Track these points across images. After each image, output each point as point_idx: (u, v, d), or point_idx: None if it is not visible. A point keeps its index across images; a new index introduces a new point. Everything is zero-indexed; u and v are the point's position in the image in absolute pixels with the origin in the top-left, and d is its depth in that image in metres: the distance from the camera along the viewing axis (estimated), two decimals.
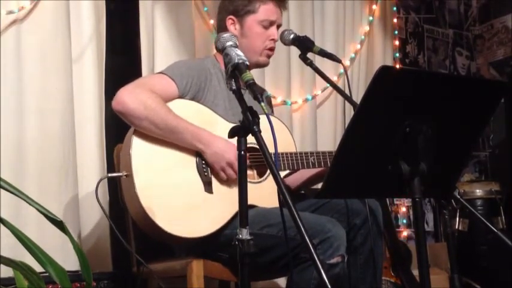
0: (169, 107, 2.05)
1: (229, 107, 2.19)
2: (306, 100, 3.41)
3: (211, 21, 3.05)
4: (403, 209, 3.94)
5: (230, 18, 2.30)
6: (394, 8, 4.01)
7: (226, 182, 2.07)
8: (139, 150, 2.01)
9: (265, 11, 2.28)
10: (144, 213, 1.96)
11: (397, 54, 3.97)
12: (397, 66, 3.86)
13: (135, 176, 1.97)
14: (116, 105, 2.01)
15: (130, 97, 2.00)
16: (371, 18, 3.79)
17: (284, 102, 3.32)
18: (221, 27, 2.32)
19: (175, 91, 2.11)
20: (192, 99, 2.15)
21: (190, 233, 2.00)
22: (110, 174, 2.12)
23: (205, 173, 2.06)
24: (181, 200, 2.01)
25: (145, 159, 2.01)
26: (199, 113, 2.13)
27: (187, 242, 2.03)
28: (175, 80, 2.11)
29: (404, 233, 3.91)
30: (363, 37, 3.74)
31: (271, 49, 2.31)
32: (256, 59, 2.28)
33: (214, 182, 2.07)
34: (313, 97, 3.43)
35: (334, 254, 1.88)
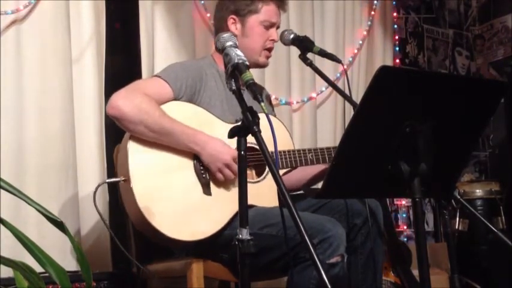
0: (163, 109, 2.04)
1: (226, 108, 2.18)
2: (306, 100, 3.40)
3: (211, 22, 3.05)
4: (403, 209, 3.94)
5: (232, 18, 2.29)
6: (394, 8, 4.01)
7: (224, 183, 2.06)
8: (136, 154, 2.01)
9: (267, 11, 2.28)
10: (143, 217, 1.95)
11: (397, 54, 3.97)
12: (397, 66, 3.86)
13: (132, 181, 1.96)
14: (110, 109, 2.01)
15: (124, 101, 1.99)
16: (371, 18, 3.79)
17: (284, 102, 3.31)
18: (221, 27, 2.31)
19: (169, 93, 2.10)
20: (189, 101, 2.14)
21: (191, 236, 1.99)
22: (108, 180, 2.13)
23: (203, 175, 2.06)
24: (180, 203, 2.01)
25: (142, 163, 2.01)
26: (196, 114, 2.12)
27: (188, 244, 2.03)
28: (169, 82, 2.10)
29: (404, 233, 3.90)
30: (363, 36, 3.74)
31: (270, 50, 2.31)
32: (256, 59, 2.28)
33: (213, 184, 2.06)
34: (312, 98, 3.43)
35: (334, 253, 1.87)
